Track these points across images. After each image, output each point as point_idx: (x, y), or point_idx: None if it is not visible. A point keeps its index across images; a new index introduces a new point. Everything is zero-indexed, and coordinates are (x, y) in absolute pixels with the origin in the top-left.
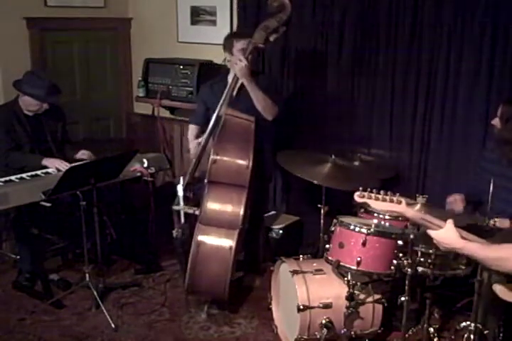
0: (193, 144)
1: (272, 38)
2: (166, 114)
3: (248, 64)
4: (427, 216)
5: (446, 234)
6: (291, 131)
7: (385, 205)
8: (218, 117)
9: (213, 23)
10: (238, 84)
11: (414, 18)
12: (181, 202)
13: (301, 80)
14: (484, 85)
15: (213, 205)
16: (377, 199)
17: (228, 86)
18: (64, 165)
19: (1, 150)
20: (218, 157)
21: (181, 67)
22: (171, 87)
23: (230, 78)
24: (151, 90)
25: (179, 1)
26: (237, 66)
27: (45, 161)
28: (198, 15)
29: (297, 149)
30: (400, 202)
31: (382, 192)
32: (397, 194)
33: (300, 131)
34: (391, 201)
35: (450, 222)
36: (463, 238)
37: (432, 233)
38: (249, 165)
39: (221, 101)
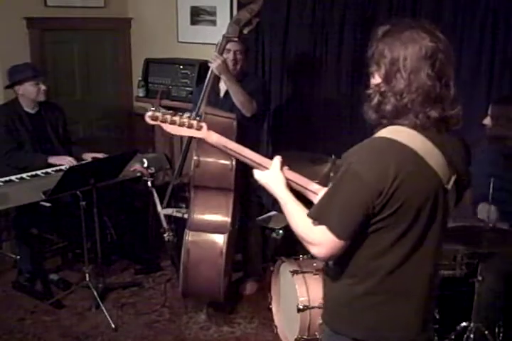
0: None
1: (245, 31)
2: None
3: (224, 60)
4: (232, 144)
5: (272, 178)
6: (291, 131)
7: (182, 130)
8: (198, 117)
9: (213, 23)
10: (221, 85)
11: (414, 18)
12: (158, 206)
13: (301, 80)
14: (484, 85)
15: (200, 211)
16: (173, 122)
17: (205, 85)
18: (72, 161)
19: (1, 150)
20: (200, 158)
21: (181, 67)
22: (171, 87)
23: (221, 84)
24: (151, 90)
25: (179, 1)
26: (214, 63)
27: (51, 159)
28: (198, 15)
29: (297, 149)
30: (200, 128)
31: (180, 114)
32: (198, 118)
33: (300, 131)
34: (190, 126)
35: (277, 160)
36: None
37: (256, 174)
38: (233, 166)
39: (199, 100)
